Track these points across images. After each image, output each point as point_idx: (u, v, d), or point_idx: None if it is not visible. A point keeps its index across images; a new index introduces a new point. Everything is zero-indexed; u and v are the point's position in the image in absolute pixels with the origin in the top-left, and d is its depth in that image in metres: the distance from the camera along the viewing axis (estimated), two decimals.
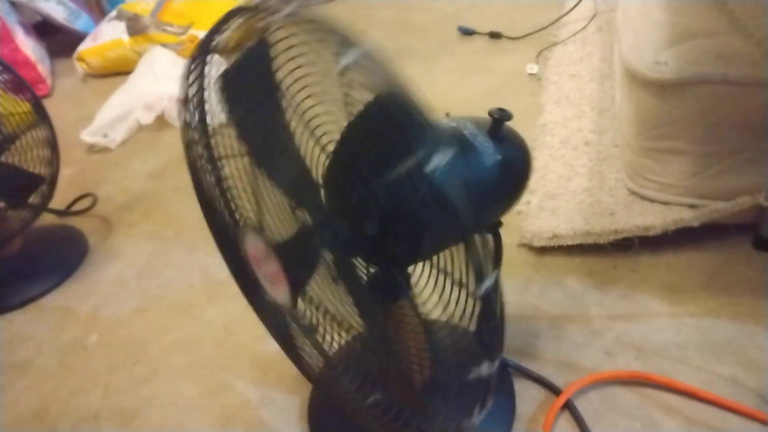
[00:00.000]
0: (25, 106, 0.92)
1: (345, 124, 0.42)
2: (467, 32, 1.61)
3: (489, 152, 0.55)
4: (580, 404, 0.65)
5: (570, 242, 0.86)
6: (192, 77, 0.53)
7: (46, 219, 1.09)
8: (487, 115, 0.56)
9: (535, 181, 1.00)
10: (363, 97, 0.40)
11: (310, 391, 0.71)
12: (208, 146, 0.56)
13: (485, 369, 0.40)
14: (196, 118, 0.55)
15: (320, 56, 0.42)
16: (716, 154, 0.83)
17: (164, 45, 1.64)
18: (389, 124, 0.37)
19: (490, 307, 0.38)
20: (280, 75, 0.48)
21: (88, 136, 1.35)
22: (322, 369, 0.62)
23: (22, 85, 0.91)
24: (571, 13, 1.54)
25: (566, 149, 1.07)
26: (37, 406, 0.77)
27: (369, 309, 0.51)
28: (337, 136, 0.43)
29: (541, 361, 0.71)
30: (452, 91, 1.35)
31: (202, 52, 0.52)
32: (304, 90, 0.46)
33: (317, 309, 0.54)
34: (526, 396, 0.67)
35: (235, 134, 0.53)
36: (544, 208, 0.93)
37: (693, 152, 0.84)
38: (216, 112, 0.54)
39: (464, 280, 0.41)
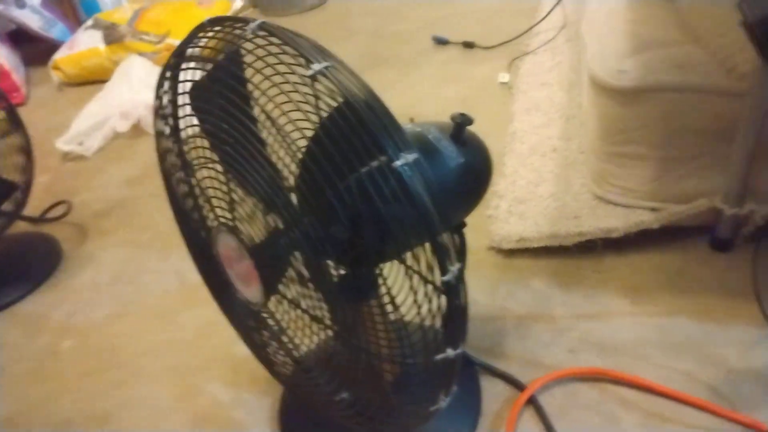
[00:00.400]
0: None
1: (314, 130, 0.43)
2: (442, 42, 1.64)
3: (452, 155, 0.57)
4: (544, 400, 0.67)
5: (536, 245, 0.88)
6: (165, 86, 0.55)
7: (20, 226, 1.10)
8: (450, 120, 0.58)
9: (504, 186, 1.03)
10: (332, 103, 0.42)
11: (282, 392, 0.73)
12: (180, 152, 0.58)
13: (450, 354, 0.42)
14: (169, 126, 0.57)
15: (290, 66, 0.44)
16: (676, 159, 0.86)
17: (141, 54, 1.65)
18: (358, 125, 0.39)
19: (455, 296, 0.40)
20: (251, 84, 0.49)
21: (63, 144, 1.35)
22: (291, 370, 0.64)
23: None
24: (541, 23, 1.57)
25: (535, 156, 1.09)
26: (8, 411, 0.77)
27: (339, 309, 0.53)
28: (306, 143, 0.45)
29: (507, 359, 0.73)
30: (426, 99, 1.37)
31: (175, 62, 0.54)
32: (274, 99, 0.48)
33: (288, 309, 0.56)
34: (492, 392, 0.69)
35: (207, 143, 0.55)
36: (513, 213, 0.96)
37: (654, 157, 0.87)
38: (189, 120, 0.56)
39: (430, 273, 0.43)
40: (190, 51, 0.52)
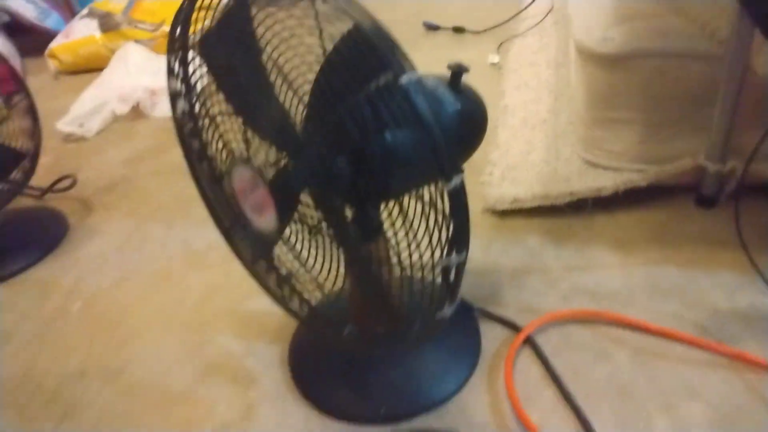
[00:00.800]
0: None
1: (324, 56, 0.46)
2: (432, 27, 1.69)
3: (450, 101, 0.60)
4: (540, 341, 0.71)
5: (529, 205, 0.92)
6: (176, 37, 0.58)
7: (26, 202, 1.12)
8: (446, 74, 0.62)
9: (497, 155, 1.06)
10: (337, 31, 0.45)
11: (291, 338, 0.76)
12: (190, 97, 0.61)
13: (454, 259, 0.45)
14: (181, 70, 0.60)
15: (294, 10, 0.48)
16: (661, 123, 0.91)
17: (137, 41, 1.68)
18: (366, 48, 0.42)
19: (459, 202, 0.43)
20: (259, 31, 0.53)
21: (64, 125, 1.37)
22: (306, 311, 0.67)
23: None
24: (529, 8, 1.62)
25: (526, 128, 1.13)
26: (22, 367, 0.79)
27: (351, 247, 0.56)
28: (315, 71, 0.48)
29: (504, 307, 0.77)
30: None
31: (185, 15, 0.57)
32: (282, 44, 0.51)
33: (300, 235, 0.58)
34: (491, 335, 0.72)
35: (217, 91, 0.58)
36: (506, 178, 0.99)
37: (640, 121, 0.92)
38: (199, 67, 0.59)
39: (434, 196, 0.46)
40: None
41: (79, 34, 1.74)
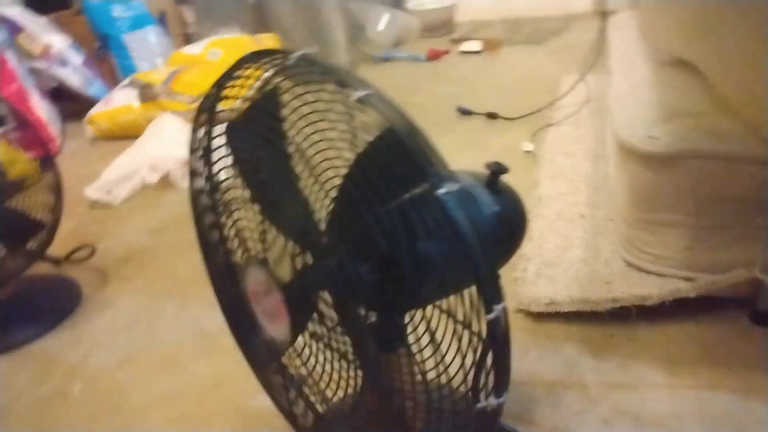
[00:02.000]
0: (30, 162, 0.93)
1: (356, 156, 0.43)
2: (465, 112, 1.68)
3: (487, 203, 0.56)
4: None
5: (567, 309, 0.85)
6: (201, 123, 0.55)
7: (43, 268, 1.09)
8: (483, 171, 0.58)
9: (531, 249, 1.01)
10: (369, 136, 0.41)
11: None
12: (213, 190, 0.57)
13: (493, 403, 0.39)
14: (203, 160, 0.57)
15: (328, 103, 0.44)
16: (709, 228, 0.84)
17: (173, 112, 1.70)
18: (400, 153, 0.38)
19: (501, 337, 0.38)
20: (287, 122, 0.49)
21: (92, 192, 1.37)
22: (312, 422, 0.60)
23: (33, 141, 0.93)
24: (565, 97, 1.60)
25: (562, 221, 1.08)
26: None
27: (367, 357, 0.50)
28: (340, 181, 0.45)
29: (538, 427, 0.69)
30: (450, 164, 1.38)
31: (211, 101, 0.54)
32: (311, 137, 0.48)
33: (314, 351, 0.53)
34: None
35: (241, 181, 0.54)
36: (541, 275, 0.93)
37: (687, 225, 0.86)
38: (222, 156, 0.56)
39: (469, 316, 0.41)
40: (230, 83, 0.52)
41: (118, 102, 1.78)
